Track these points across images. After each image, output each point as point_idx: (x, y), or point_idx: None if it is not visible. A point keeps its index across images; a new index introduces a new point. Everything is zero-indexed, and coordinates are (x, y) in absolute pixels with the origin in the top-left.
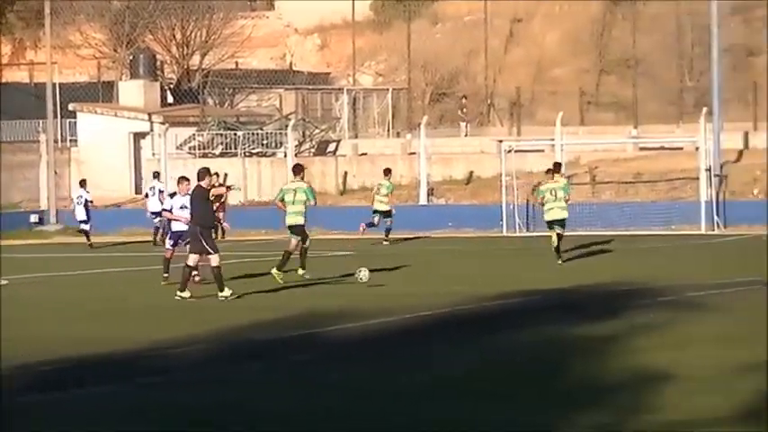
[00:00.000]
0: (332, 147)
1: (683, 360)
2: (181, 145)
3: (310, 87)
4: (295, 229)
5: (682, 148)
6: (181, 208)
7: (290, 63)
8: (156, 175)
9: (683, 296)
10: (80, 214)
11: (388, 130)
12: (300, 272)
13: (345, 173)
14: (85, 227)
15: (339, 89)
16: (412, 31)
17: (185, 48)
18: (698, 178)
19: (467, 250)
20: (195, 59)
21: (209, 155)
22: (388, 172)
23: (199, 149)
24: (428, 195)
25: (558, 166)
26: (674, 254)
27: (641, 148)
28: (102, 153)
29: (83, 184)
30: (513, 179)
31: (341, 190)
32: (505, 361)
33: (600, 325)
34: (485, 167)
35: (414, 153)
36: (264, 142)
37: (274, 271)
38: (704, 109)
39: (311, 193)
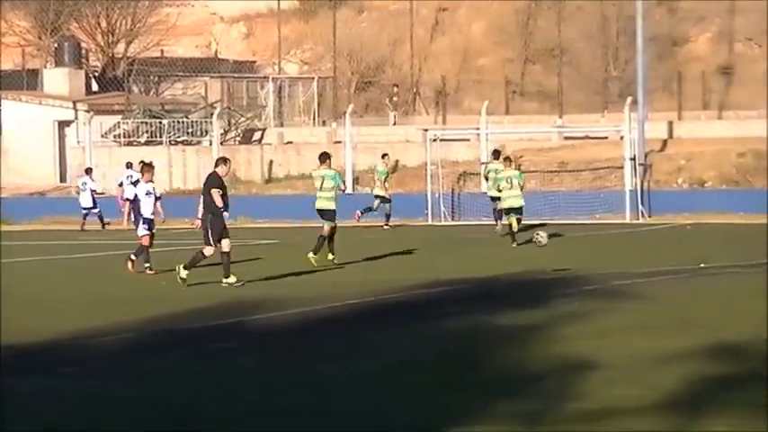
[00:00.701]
0: (257, 135)
1: (606, 349)
2: (106, 133)
3: (236, 76)
4: (325, 214)
5: (606, 138)
6: (147, 194)
7: (216, 51)
8: (88, 171)
9: (608, 285)
10: (84, 201)
11: (314, 119)
12: (330, 256)
13: (271, 161)
14: (94, 211)
15: (264, 77)
16: (337, 20)
17: (110, 36)
18: (623, 167)
19: (392, 239)
20: (120, 47)
21: (135, 143)
22: (383, 156)
23: (124, 138)
24: (354, 184)
25: (496, 153)
26: (598, 243)
27: (566, 138)
28: (27, 141)
29: (88, 171)
30: (439, 168)
31: (266, 179)
32: (430, 350)
33: (525, 313)
34: (410, 156)
35: (339, 142)
36: (190, 131)
37: (310, 255)
38: (629, 98)
39: (340, 178)
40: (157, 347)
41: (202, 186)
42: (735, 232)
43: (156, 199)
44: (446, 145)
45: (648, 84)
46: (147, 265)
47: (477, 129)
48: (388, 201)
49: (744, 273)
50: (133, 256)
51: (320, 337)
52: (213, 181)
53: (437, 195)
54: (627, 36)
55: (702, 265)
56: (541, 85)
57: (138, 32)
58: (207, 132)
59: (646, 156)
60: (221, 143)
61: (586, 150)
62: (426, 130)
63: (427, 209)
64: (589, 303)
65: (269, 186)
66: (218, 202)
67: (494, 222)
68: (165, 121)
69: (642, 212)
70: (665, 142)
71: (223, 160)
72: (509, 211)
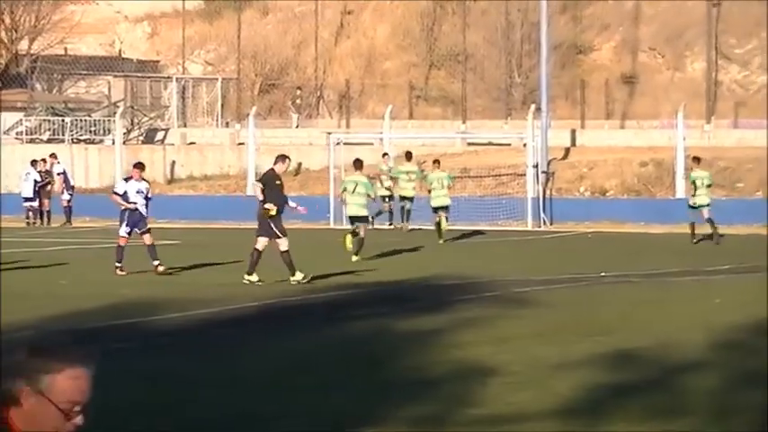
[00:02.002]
0: (160, 135)
1: (504, 355)
2: (8, 130)
3: (139, 75)
4: (358, 220)
5: (509, 145)
6: (137, 193)
7: (120, 50)
8: (33, 163)
9: (509, 291)
10: (25, 191)
11: (217, 120)
12: (354, 258)
13: (173, 162)
14: (34, 204)
15: (168, 77)
16: (242, 21)
17: (14, 32)
18: (525, 175)
19: (294, 242)
20: (24, 44)
21: (37, 140)
22: (384, 155)
23: (26, 135)
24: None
25: (409, 155)
26: (500, 249)
27: (469, 144)
28: None
29: (33, 163)
30: (342, 171)
31: (168, 179)
32: (327, 353)
33: (425, 318)
34: (313, 159)
35: (242, 143)
36: (92, 129)
37: (354, 258)
38: (532, 106)
39: (371, 187)
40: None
41: (261, 183)
42: (636, 241)
43: (147, 200)
44: (349, 148)
45: (552, 91)
46: (118, 264)
47: (381, 133)
48: (392, 198)
49: (642, 282)
50: (118, 263)
51: (216, 338)
52: (267, 178)
53: (339, 199)
54: (531, 43)
55: (603, 274)
56: (445, 91)
57: (42, 29)
58: (109, 131)
59: (548, 163)
60: (124, 142)
61: (489, 157)
62: (330, 134)
63: (330, 212)
64: (489, 309)
65: (171, 187)
66: (259, 195)
67: (393, 224)
68: (67, 119)
69: (544, 220)
70: (567, 150)
71: (282, 158)
72: (437, 209)
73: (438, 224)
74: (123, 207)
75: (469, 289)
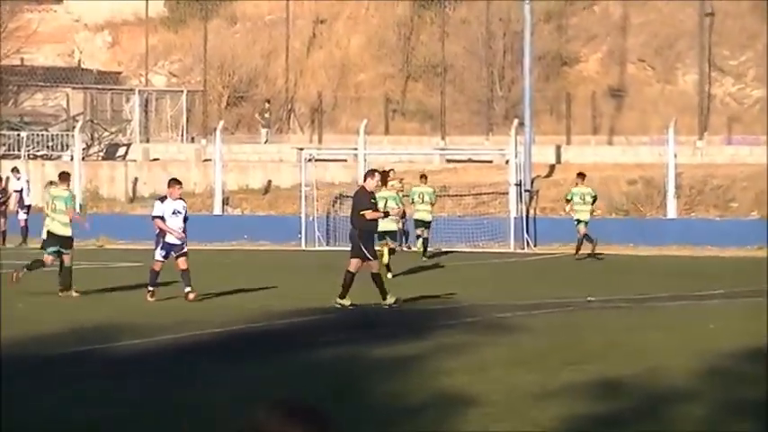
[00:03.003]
0: (121, 151)
1: (484, 384)
2: None
3: (100, 87)
4: (389, 234)
5: (491, 162)
6: (173, 214)
7: (79, 61)
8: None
9: (490, 317)
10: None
11: (182, 135)
12: (389, 275)
13: (135, 179)
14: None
15: (130, 90)
16: (209, 31)
17: None
18: (507, 193)
19: (263, 264)
20: None
21: None
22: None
23: None
24: (223, 205)
25: (385, 173)
26: (481, 272)
27: (449, 161)
28: None
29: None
30: (314, 190)
31: (130, 197)
32: (295, 381)
33: (400, 345)
34: (284, 177)
35: (208, 160)
36: (50, 144)
37: (389, 275)
38: (515, 120)
39: (399, 200)
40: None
41: (352, 202)
42: (624, 263)
43: (185, 221)
44: (322, 165)
45: (536, 105)
46: (150, 289)
47: (355, 149)
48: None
49: (630, 307)
50: (150, 287)
51: (166, 366)
52: (360, 201)
53: (311, 219)
54: (514, 54)
55: (589, 299)
56: (423, 104)
57: None
58: (68, 146)
59: (532, 181)
60: (83, 158)
61: (469, 174)
62: (301, 150)
63: (301, 233)
64: (469, 335)
65: (133, 205)
66: (371, 216)
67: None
68: (23, 134)
69: (527, 241)
70: (552, 167)
71: (372, 173)
72: (418, 222)
73: (425, 241)
74: (175, 235)
75: (449, 314)
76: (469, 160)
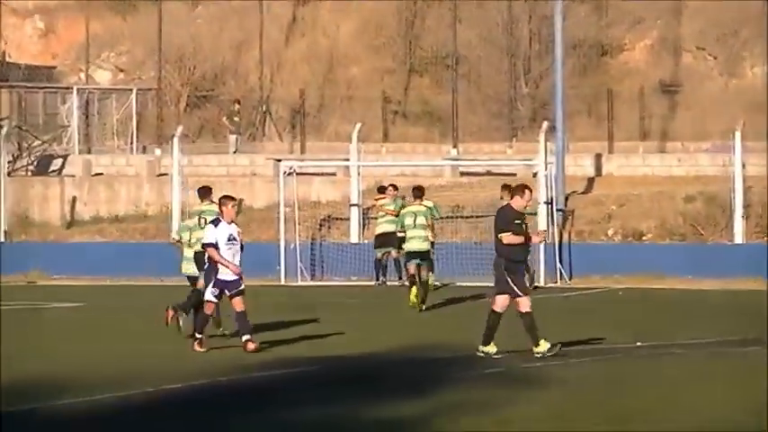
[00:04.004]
0: (57, 164)
1: None
2: None
3: (29, 85)
4: (419, 255)
5: (515, 175)
6: (229, 241)
7: (4, 53)
8: None
9: (514, 367)
10: None
11: (132, 144)
12: (421, 309)
13: (74, 198)
14: None
15: (68, 88)
16: (164, 15)
17: None
18: (536, 214)
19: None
20: None
21: None
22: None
23: None
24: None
25: (382, 189)
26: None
27: (462, 174)
28: None
29: None
30: (295, 210)
31: (67, 221)
32: None
33: (403, 403)
34: (257, 195)
35: (164, 174)
36: None
37: (412, 297)
38: (544, 124)
39: (436, 210)
40: None
41: (494, 224)
42: (681, 300)
43: (241, 249)
44: (305, 180)
45: (570, 105)
46: (199, 336)
47: (347, 160)
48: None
49: (688, 353)
50: (198, 334)
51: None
52: (503, 221)
53: (292, 246)
54: (541, 42)
55: (638, 344)
56: (430, 104)
57: None
58: None
59: (566, 199)
60: (9, 173)
61: (488, 191)
62: (279, 161)
63: (279, 264)
64: (489, 390)
65: (71, 231)
66: (509, 240)
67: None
68: None
69: (561, 273)
70: (591, 181)
71: (522, 189)
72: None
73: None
74: (231, 269)
75: (463, 364)
76: (488, 173)
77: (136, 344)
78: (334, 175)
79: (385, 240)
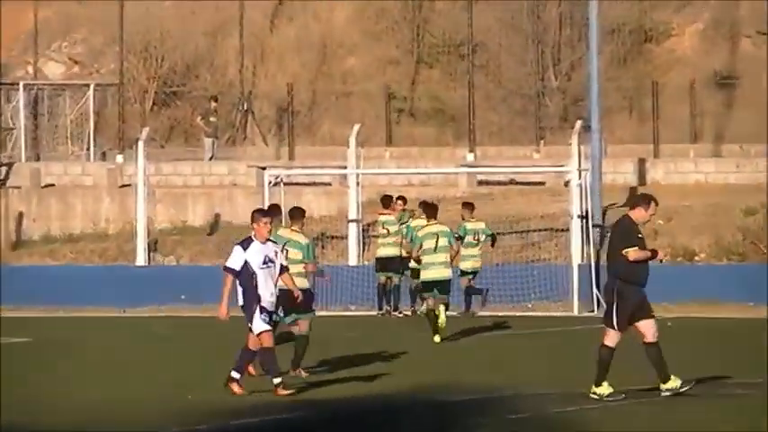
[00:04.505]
0: (0, 173)
1: None
2: None
3: None
4: (439, 285)
5: (543, 184)
6: (264, 265)
7: None
8: None
9: (544, 412)
10: None
11: (89, 149)
12: (437, 338)
13: (21, 214)
14: None
15: (12, 84)
16: None
17: None
18: (568, 230)
19: (209, 338)
20: None
21: None
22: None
23: None
24: (149, 251)
25: (387, 200)
26: (531, 347)
27: (480, 183)
28: None
29: None
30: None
31: (13, 240)
32: None
33: None
34: (238, 209)
35: (127, 185)
36: None
37: (436, 339)
38: (577, 123)
39: (452, 235)
40: None
41: (611, 240)
42: (740, 332)
43: (282, 270)
44: (294, 191)
45: (608, 100)
46: (277, 381)
47: (344, 167)
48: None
49: (747, 394)
50: (235, 373)
51: None
52: (623, 235)
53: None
54: (573, 27)
55: (686, 387)
56: (441, 101)
57: None
58: None
59: (604, 212)
60: None
61: (512, 203)
62: (263, 169)
63: None
64: None
65: (18, 253)
66: (635, 255)
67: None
68: None
69: (599, 300)
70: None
71: (646, 200)
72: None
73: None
74: (221, 312)
75: (485, 408)
76: (512, 182)
77: (93, 389)
78: (328, 185)
79: (387, 264)
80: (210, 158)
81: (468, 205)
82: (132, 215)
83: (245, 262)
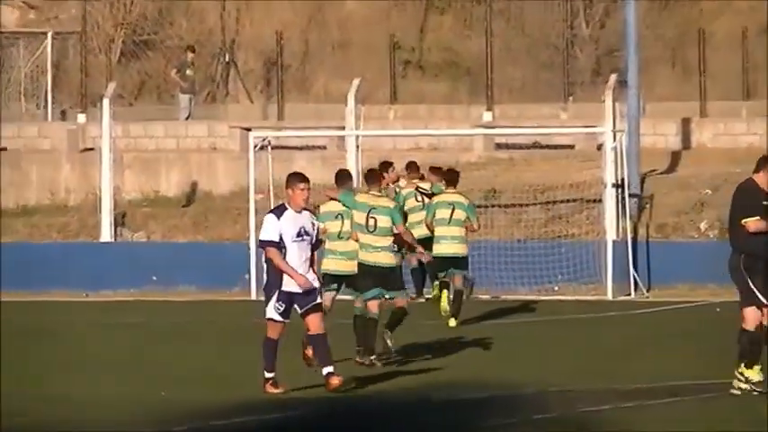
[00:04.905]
0: None
1: None
2: None
3: None
4: (454, 263)
5: (572, 147)
6: (298, 237)
7: None
8: None
9: (573, 411)
10: None
11: (46, 107)
12: (452, 322)
13: None
14: None
15: None
16: None
17: None
18: (601, 201)
19: (186, 325)
20: None
21: None
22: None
23: None
24: (115, 226)
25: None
26: (558, 337)
27: (499, 146)
28: None
29: None
30: (271, 198)
31: None
32: None
33: None
34: (219, 177)
35: (90, 149)
36: None
37: (453, 323)
38: (611, 77)
39: (473, 211)
40: None
41: (732, 206)
42: None
43: (316, 244)
44: (284, 156)
45: (646, 50)
46: (270, 375)
47: (342, 128)
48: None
49: None
50: (268, 373)
51: None
52: (749, 199)
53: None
54: None
55: (744, 386)
56: (455, 52)
57: None
58: None
59: (642, 180)
60: None
61: (535, 170)
62: (248, 130)
63: (249, 272)
64: None
65: None
66: (756, 226)
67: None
68: None
69: (636, 282)
70: (676, 156)
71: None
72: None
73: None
74: (297, 280)
75: (505, 407)
76: (535, 145)
77: (53, 387)
78: (323, 149)
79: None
80: (187, 118)
81: (438, 171)
82: (96, 184)
83: (280, 234)
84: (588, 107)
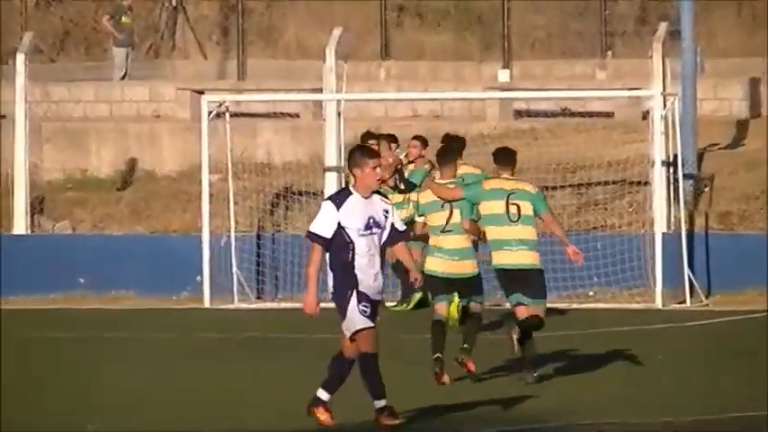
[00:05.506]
0: None
1: None
2: None
3: None
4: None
5: (611, 115)
6: (367, 230)
7: None
8: None
9: None
10: None
11: None
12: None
13: None
14: None
15: None
16: None
17: None
18: (648, 184)
19: (121, 341)
20: None
21: None
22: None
23: None
24: (31, 215)
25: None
26: (595, 354)
27: (519, 114)
28: None
29: None
30: (229, 179)
31: None
32: None
33: None
34: (164, 152)
35: (2, 117)
36: None
37: (452, 310)
38: (660, 26)
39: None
40: None
41: None
42: None
43: (398, 236)
44: (246, 126)
45: None
46: (380, 405)
47: (320, 90)
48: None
49: None
50: (323, 393)
51: None
52: None
53: (224, 242)
54: None
55: None
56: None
57: None
58: None
59: (700, 158)
60: None
61: (565, 144)
62: (201, 93)
63: (201, 273)
64: None
65: None
66: None
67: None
68: None
69: (692, 285)
70: (743, 127)
71: None
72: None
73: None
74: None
75: None
76: (565, 113)
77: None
78: (296, 116)
79: None
80: (123, 77)
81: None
82: (8, 161)
83: (339, 225)
84: (631, 64)
